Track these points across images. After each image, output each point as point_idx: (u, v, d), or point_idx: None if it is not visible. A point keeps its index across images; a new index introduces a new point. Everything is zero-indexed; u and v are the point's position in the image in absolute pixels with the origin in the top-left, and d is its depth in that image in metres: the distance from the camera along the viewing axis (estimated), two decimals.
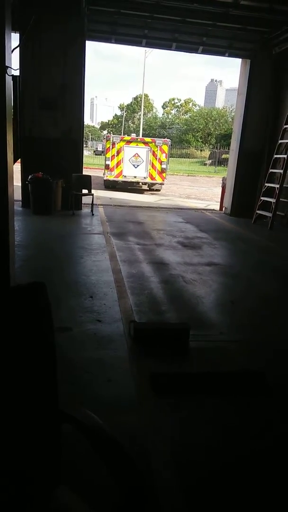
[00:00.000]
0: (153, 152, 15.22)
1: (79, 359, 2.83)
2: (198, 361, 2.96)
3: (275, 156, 9.09)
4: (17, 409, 1.16)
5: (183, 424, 2.25)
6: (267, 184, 9.21)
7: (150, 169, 15.36)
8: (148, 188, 16.32)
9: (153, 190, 16.31)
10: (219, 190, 12.05)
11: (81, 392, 2.43)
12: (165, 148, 15.45)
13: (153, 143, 15.35)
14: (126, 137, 16.34)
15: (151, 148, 15.22)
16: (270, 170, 9.20)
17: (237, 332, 3.51)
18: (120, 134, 17.53)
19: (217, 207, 11.80)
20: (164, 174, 15.64)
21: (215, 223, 9.40)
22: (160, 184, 16.04)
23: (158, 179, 15.65)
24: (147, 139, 16.13)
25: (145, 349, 3.03)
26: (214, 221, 9.76)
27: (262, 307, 4.21)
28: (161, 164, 15.38)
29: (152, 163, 15.32)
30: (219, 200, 11.86)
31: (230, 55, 9.67)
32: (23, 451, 1.15)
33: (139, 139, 16.14)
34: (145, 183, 15.99)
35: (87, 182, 9.09)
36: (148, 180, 15.59)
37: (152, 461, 1.94)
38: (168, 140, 16.71)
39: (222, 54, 9.71)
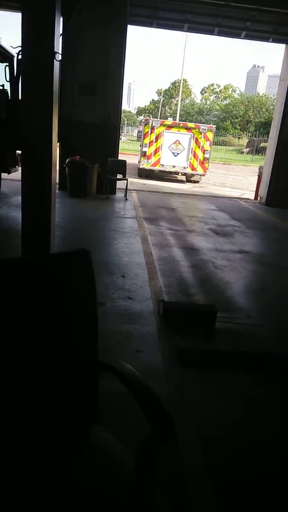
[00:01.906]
0: (196, 139, 13.84)
1: (110, 332, 3.02)
2: (224, 341, 3.08)
3: None
4: (65, 356, 1.35)
5: (207, 394, 2.40)
6: None
7: (191, 158, 14.00)
8: (186, 180, 15.08)
9: (191, 181, 14.94)
10: (255, 179, 11.89)
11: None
12: (210, 135, 14.03)
13: (196, 129, 13.94)
14: (167, 121, 15.11)
15: (194, 134, 13.83)
16: None
17: (265, 318, 3.59)
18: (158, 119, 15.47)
19: (252, 196, 11.66)
20: (206, 165, 14.24)
21: (249, 212, 9.34)
22: (201, 175, 14.64)
23: (200, 170, 14.25)
24: (191, 125, 14.69)
25: (173, 327, 3.18)
26: (248, 210, 9.69)
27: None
28: (204, 153, 13.99)
29: (194, 151, 13.95)
30: (254, 189, 11.71)
31: (274, 41, 9.43)
32: (65, 392, 1.34)
33: (181, 124, 14.79)
34: (184, 174, 14.72)
35: (122, 167, 9.25)
36: (189, 170, 14.27)
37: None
38: (213, 126, 15.11)
39: (266, 39, 9.48)
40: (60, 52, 2.87)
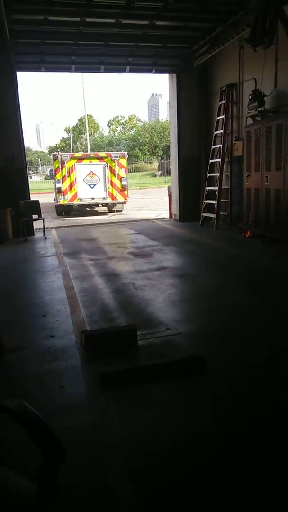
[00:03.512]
0: (110, 168, 13.85)
1: (32, 374, 2.98)
2: (147, 356, 3.19)
3: (211, 160, 9.66)
4: None
5: (128, 411, 2.46)
6: (207, 188, 9.75)
7: (109, 188, 13.93)
8: (108, 210, 14.86)
9: (113, 211, 14.78)
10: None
11: (35, 402, 2.58)
12: (123, 161, 14.06)
13: (108, 158, 13.98)
14: (77, 154, 14.97)
15: (107, 163, 13.85)
16: (209, 174, 9.74)
17: (182, 326, 3.78)
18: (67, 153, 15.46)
19: (167, 215, 12.24)
20: (126, 192, 14.20)
21: (165, 230, 9.79)
22: (123, 203, 14.49)
23: (120, 198, 14.14)
24: (102, 154, 14.74)
25: (97, 354, 3.21)
26: (164, 228, 10.16)
27: (205, 301, 4.52)
28: (121, 181, 13.96)
29: (111, 180, 13.92)
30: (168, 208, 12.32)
31: (157, 72, 10.23)
32: None
33: (92, 155, 14.74)
34: (105, 204, 14.48)
35: (35, 207, 9.22)
36: (109, 200, 14.07)
37: (100, 450, 2.13)
38: (125, 152, 15.07)
39: (149, 71, 10.25)
40: None
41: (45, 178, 40.91)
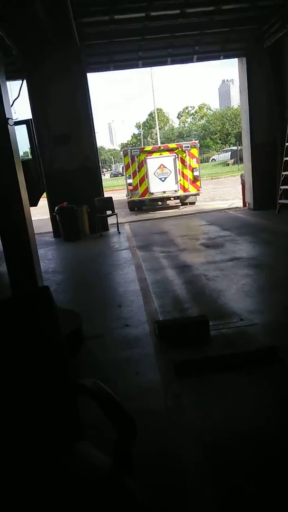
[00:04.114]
0: (181, 159, 13.30)
1: (110, 360, 3.16)
2: (219, 347, 3.18)
3: (287, 144, 9.14)
4: (38, 385, 1.50)
5: (201, 398, 2.49)
6: (284, 173, 9.25)
7: (180, 180, 13.43)
8: (181, 203, 14.33)
9: (187, 204, 14.20)
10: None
11: (113, 386, 2.74)
12: (195, 151, 13.40)
13: (179, 149, 13.43)
14: (147, 147, 14.56)
15: (177, 154, 13.32)
16: (285, 159, 9.23)
17: (256, 316, 3.68)
18: (137, 148, 14.94)
19: (240, 204, 11.87)
20: (198, 183, 13.59)
21: (238, 220, 9.52)
22: (195, 195, 13.91)
23: (192, 189, 13.57)
24: (172, 145, 14.22)
25: (169, 344, 3.29)
26: (238, 218, 9.88)
27: (281, 292, 4.34)
28: (192, 172, 13.40)
29: (182, 172, 13.38)
30: (241, 197, 11.94)
31: (225, 57, 9.94)
32: (44, 416, 1.48)
33: (162, 147, 14.19)
34: (177, 197, 13.96)
35: (109, 203, 9.59)
36: (180, 192, 13.56)
37: (176, 434, 2.20)
38: (196, 142, 14.21)
39: (217, 58, 10.00)
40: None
41: (110, 176, 42.01)
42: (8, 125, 3.08)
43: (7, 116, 3.07)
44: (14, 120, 3.23)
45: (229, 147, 45.48)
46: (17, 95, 4.78)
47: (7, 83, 3.24)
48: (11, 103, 3.27)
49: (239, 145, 38.20)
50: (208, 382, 2.66)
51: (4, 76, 3.16)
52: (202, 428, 2.21)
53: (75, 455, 1.44)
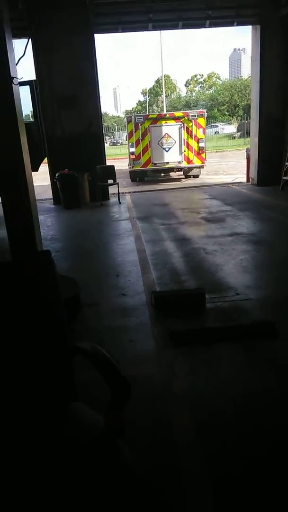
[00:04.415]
0: (187, 128, 12.67)
1: (105, 328, 3.22)
2: (214, 319, 3.24)
3: None
4: (36, 346, 1.54)
5: (195, 365, 2.57)
6: None
7: (185, 151, 12.88)
8: (184, 175, 13.93)
9: (190, 176, 13.76)
10: None
11: (107, 352, 2.81)
12: (202, 121, 12.73)
13: (185, 118, 12.72)
14: (152, 115, 13.88)
15: (183, 124, 12.67)
16: None
17: (252, 292, 3.73)
18: (141, 114, 14.48)
19: (244, 179, 11.74)
20: (203, 155, 13.01)
21: (241, 195, 9.44)
22: (200, 167, 13.43)
23: (197, 162, 13.05)
24: (178, 113, 13.52)
25: (165, 314, 3.35)
26: (240, 193, 9.80)
27: (279, 268, 4.38)
28: (198, 143, 12.80)
29: (187, 142, 12.81)
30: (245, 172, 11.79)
31: (239, 24, 9.54)
32: (41, 377, 1.53)
33: (167, 115, 13.58)
34: (180, 169, 13.57)
35: (111, 172, 9.46)
36: (184, 164, 13.09)
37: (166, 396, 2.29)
38: (203, 111, 13.35)
39: (230, 24, 9.59)
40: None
41: (110, 145, 41.06)
42: (13, 84, 2.99)
43: (12, 75, 2.98)
44: (18, 80, 3.13)
45: (237, 119, 44.40)
46: (22, 54, 4.58)
47: (13, 41, 3.12)
48: (16, 62, 3.16)
49: (247, 118, 37.34)
50: (201, 352, 2.73)
51: (10, 32, 3.03)
52: (193, 393, 2.29)
53: (70, 415, 1.50)
